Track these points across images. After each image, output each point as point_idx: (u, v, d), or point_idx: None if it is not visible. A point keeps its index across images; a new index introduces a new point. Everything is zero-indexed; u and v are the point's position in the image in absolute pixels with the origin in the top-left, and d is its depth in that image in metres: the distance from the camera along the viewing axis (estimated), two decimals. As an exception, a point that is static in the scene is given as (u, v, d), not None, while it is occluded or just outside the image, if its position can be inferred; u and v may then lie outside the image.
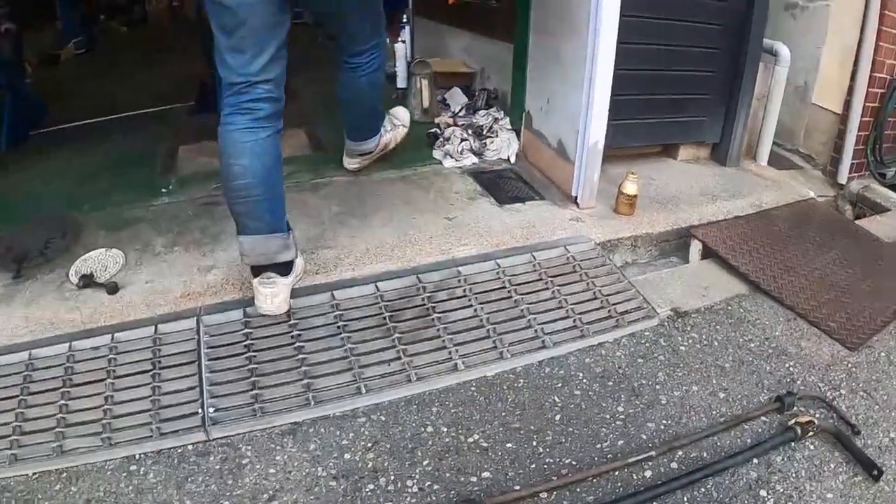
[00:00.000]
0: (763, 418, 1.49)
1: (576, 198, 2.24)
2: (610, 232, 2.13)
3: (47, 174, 2.67)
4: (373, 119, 2.48)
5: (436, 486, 1.27)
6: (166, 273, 1.90)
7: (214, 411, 1.40)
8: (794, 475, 1.33)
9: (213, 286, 1.82)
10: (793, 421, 1.44)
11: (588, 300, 1.82)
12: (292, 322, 1.66)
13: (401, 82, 3.73)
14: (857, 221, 2.63)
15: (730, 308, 1.90)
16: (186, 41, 7.17)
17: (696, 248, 2.16)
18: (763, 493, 1.28)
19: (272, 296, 1.66)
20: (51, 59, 6.35)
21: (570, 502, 1.25)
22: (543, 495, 1.25)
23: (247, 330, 1.64)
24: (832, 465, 1.36)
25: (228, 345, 1.59)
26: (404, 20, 4.11)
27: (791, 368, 1.66)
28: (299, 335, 1.62)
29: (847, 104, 2.83)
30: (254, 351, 1.57)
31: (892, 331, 1.88)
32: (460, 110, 3.09)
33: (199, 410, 1.40)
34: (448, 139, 2.71)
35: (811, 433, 1.42)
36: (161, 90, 4.29)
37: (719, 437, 1.41)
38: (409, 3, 4.21)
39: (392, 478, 1.29)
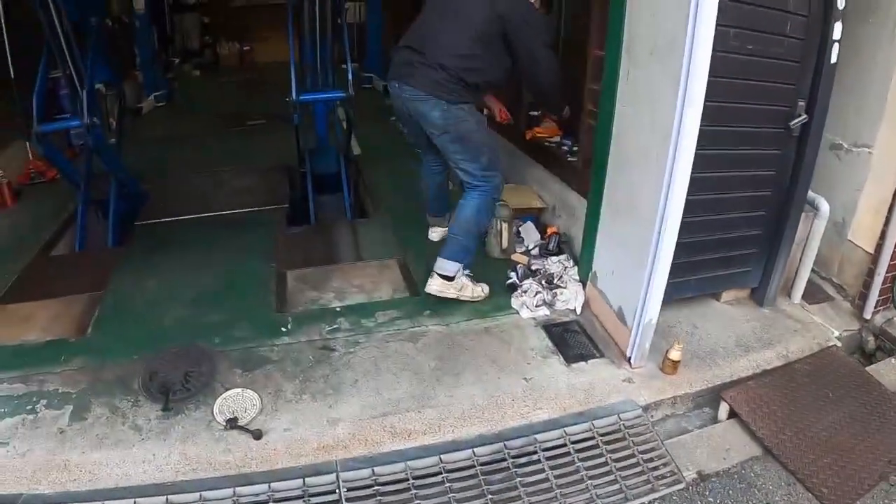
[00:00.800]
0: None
1: (629, 358, 2.78)
2: (656, 393, 2.67)
3: (163, 287, 3.23)
4: (461, 243, 3.07)
5: None
6: (300, 422, 2.39)
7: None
8: None
9: (343, 441, 2.33)
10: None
11: (631, 465, 2.37)
12: (413, 486, 2.25)
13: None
14: (874, 366, 3.07)
15: (743, 472, 2.42)
16: (257, 87, 7.96)
17: (724, 408, 2.68)
18: None
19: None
20: (134, 113, 7.07)
21: None
22: None
23: (376, 486, 2.24)
24: None
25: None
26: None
27: (786, 539, 2.20)
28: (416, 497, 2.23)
29: (878, 247, 3.22)
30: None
31: (875, 494, 2.36)
32: (533, 248, 3.63)
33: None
34: (525, 291, 3.21)
35: None
36: (250, 159, 4.95)
37: None
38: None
39: None
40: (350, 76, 4.04)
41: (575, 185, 3.60)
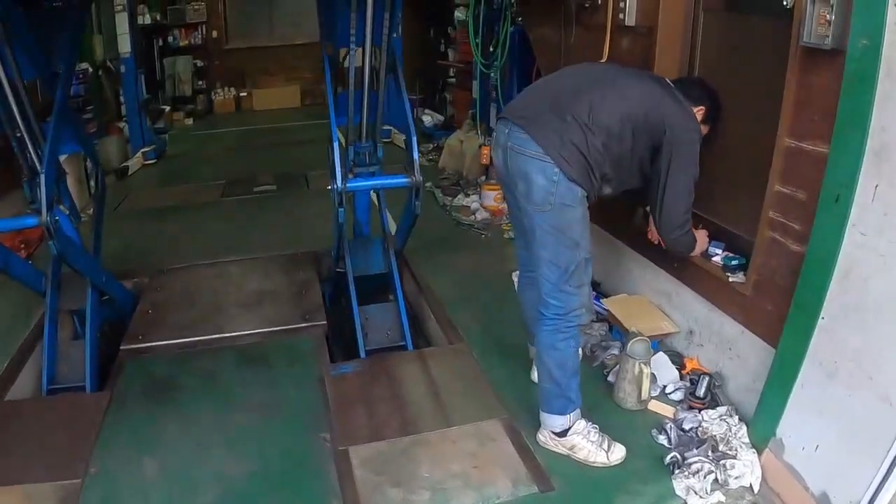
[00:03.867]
0: None
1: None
2: None
3: (167, 479, 2.18)
4: (552, 391, 2.34)
5: None
6: None
7: None
8: None
9: None
10: None
11: None
12: None
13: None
14: None
15: None
16: (259, 140, 6.96)
17: None
18: None
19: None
20: (119, 173, 6.07)
21: None
22: None
23: None
24: None
25: None
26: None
27: None
28: None
29: None
30: None
31: None
32: (673, 391, 2.69)
33: None
34: (693, 472, 2.26)
35: None
36: (264, 242, 3.80)
37: None
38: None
39: None
40: (415, 154, 2.97)
41: (738, 313, 2.61)
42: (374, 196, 3.84)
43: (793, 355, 2.15)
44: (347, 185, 2.89)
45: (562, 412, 2.32)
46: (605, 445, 2.34)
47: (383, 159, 3.30)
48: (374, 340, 3.16)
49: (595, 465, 2.31)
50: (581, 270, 2.28)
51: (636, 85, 2.31)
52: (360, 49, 2.92)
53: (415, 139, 3.03)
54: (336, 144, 2.89)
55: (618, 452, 2.34)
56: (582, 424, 2.35)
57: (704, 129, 2.45)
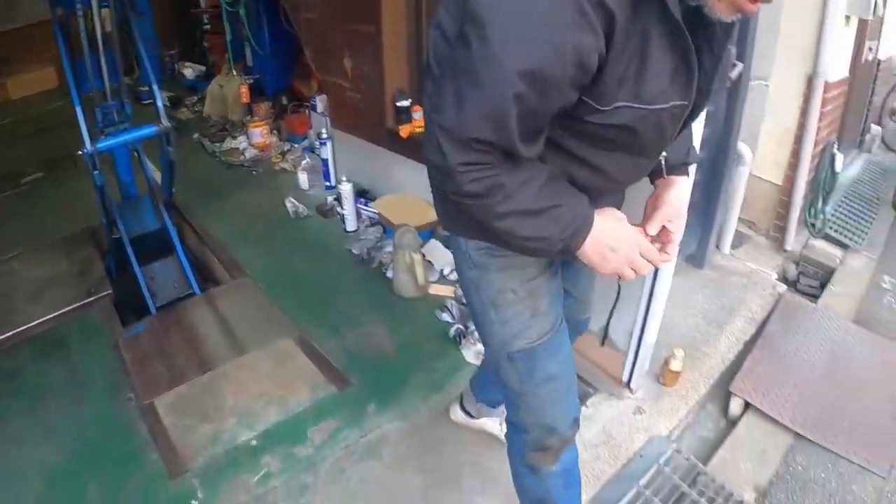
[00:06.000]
0: None
1: (628, 383, 2.37)
2: (671, 415, 2.30)
3: None
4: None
5: None
6: None
7: None
8: None
9: None
10: None
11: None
12: None
13: (350, 224, 3.55)
14: (822, 301, 3.01)
15: (791, 468, 2.17)
16: (21, 130, 6.25)
17: (736, 402, 2.40)
18: None
19: None
20: None
21: None
22: None
23: None
24: None
25: None
26: (324, 134, 3.89)
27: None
28: None
29: (789, 179, 3.20)
30: None
31: None
32: (450, 272, 3.02)
33: None
34: (477, 338, 2.54)
35: None
36: (40, 231, 3.69)
37: None
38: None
39: None
40: (159, 101, 2.94)
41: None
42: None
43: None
44: (97, 145, 2.83)
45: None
46: None
47: (133, 116, 3.19)
48: (164, 296, 3.21)
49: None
50: (510, 373, 1.43)
51: None
52: (89, 11, 2.83)
53: (156, 87, 2.97)
54: (78, 108, 2.80)
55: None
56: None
57: None
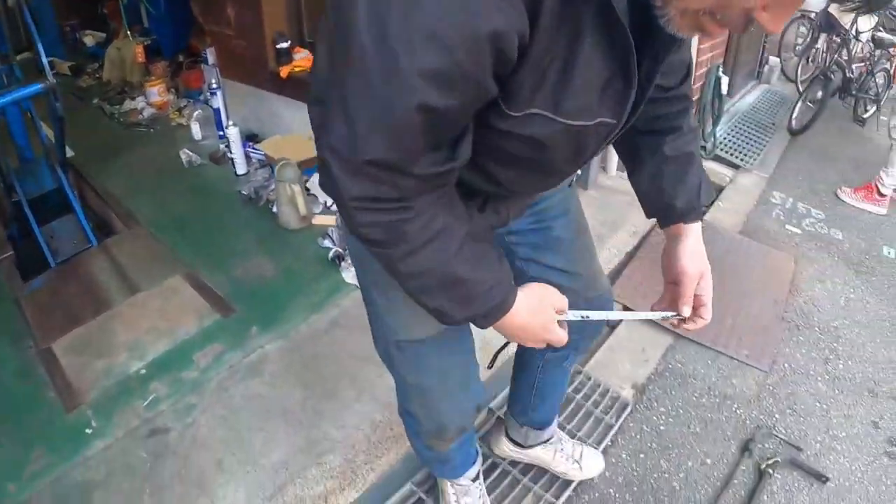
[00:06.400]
0: (741, 467, 1.95)
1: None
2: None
3: None
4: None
5: None
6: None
7: None
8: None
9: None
10: (763, 465, 1.93)
11: (582, 416, 2.11)
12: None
13: (240, 167, 3.57)
14: (708, 216, 3.19)
15: (670, 366, 2.33)
16: None
17: (616, 308, 2.54)
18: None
19: None
20: None
21: None
22: None
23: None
24: (797, 485, 1.90)
25: None
26: (214, 85, 3.86)
27: (737, 410, 2.15)
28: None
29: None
30: None
31: (782, 339, 2.47)
32: (332, 203, 3.06)
33: None
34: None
35: (776, 469, 1.93)
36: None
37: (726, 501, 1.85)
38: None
39: None
40: (44, 59, 2.90)
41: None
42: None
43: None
44: None
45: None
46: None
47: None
48: (65, 252, 3.20)
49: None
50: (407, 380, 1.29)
51: None
52: None
53: (40, 45, 2.95)
54: None
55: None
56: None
57: None
